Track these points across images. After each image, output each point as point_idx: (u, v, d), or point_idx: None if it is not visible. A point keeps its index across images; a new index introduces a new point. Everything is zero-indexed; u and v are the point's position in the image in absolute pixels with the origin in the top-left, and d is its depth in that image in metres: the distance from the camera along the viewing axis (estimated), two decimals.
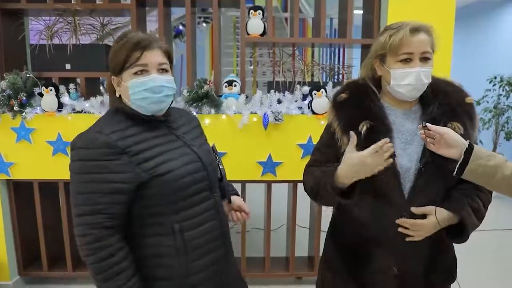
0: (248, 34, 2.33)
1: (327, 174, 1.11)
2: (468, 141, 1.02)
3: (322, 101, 2.24)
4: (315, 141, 2.28)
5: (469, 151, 1.00)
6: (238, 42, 3.84)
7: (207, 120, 2.23)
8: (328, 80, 2.55)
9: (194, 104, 2.23)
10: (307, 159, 2.30)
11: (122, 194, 1.03)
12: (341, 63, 3.65)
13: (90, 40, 2.42)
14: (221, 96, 2.30)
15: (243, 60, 2.39)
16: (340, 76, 2.85)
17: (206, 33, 5.10)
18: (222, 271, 1.19)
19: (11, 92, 2.15)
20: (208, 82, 2.24)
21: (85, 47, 2.31)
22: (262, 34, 2.34)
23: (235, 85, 2.29)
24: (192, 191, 1.10)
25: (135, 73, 1.06)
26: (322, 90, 2.23)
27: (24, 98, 2.12)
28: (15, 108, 2.12)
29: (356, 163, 1.04)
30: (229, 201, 1.28)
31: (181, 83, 5.29)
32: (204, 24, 5.06)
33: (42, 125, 2.17)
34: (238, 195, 1.36)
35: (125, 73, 1.07)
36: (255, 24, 2.31)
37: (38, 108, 2.19)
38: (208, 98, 2.23)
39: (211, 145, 1.30)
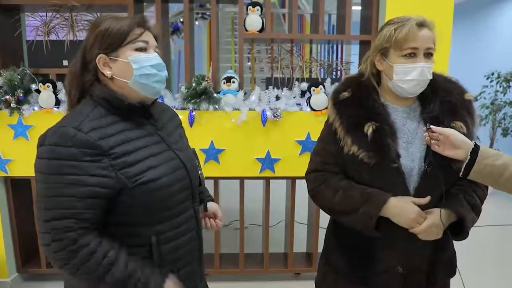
0: (246, 30, 2.32)
1: (371, 203, 1.08)
2: (473, 141, 1.00)
3: (320, 97, 2.24)
4: (313, 137, 2.30)
5: (475, 151, 0.99)
6: (236, 38, 3.83)
7: (206, 117, 2.22)
8: (326, 77, 2.55)
9: (193, 101, 2.22)
10: (305, 155, 2.31)
11: (100, 199, 0.91)
12: (339, 59, 3.65)
13: None
14: (219, 92, 2.29)
15: (241, 56, 2.38)
16: (339, 73, 2.85)
17: (204, 29, 5.08)
18: (195, 285, 1.12)
19: (7, 88, 2.13)
20: (206, 79, 2.24)
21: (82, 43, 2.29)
22: (260, 30, 2.33)
23: (233, 82, 2.29)
24: (175, 201, 1.02)
25: (137, 49, 0.97)
26: (321, 86, 2.23)
27: (21, 94, 2.11)
28: (12, 105, 2.11)
29: (405, 214, 1.07)
30: (205, 209, 1.21)
31: (179, 79, 5.27)
32: (202, 20, 5.04)
33: (39, 122, 2.16)
34: (213, 200, 1.29)
35: (123, 49, 0.96)
36: (253, 20, 2.30)
37: (36, 105, 2.18)
38: (206, 95, 2.22)
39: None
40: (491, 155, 0.98)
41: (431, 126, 1.04)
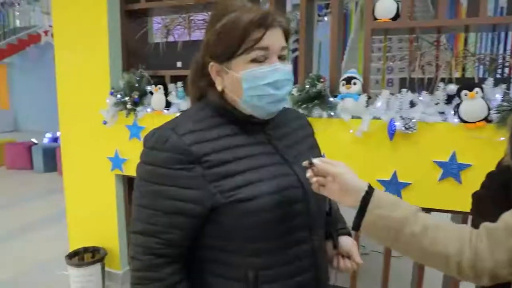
0: (376, 19, 1.87)
1: None
2: (367, 183, 0.79)
3: (475, 104, 1.64)
4: (460, 158, 1.71)
5: (366, 198, 0.77)
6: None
7: (318, 125, 1.87)
8: (487, 76, 1.90)
9: (304, 106, 1.91)
10: (447, 182, 1.75)
11: (184, 217, 0.78)
12: (508, 51, 2.78)
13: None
14: (336, 96, 1.91)
15: (368, 51, 1.94)
16: (506, 70, 2.11)
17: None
18: None
19: (126, 90, 2.20)
20: (322, 79, 1.89)
21: (196, 44, 2.22)
22: (395, 18, 1.85)
23: (354, 83, 1.87)
24: (283, 229, 0.82)
25: (253, 60, 0.79)
26: (477, 89, 1.63)
27: (136, 96, 2.15)
28: (128, 106, 2.17)
29: None
30: (335, 246, 0.96)
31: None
32: (326, 18, 4.65)
33: (150, 124, 2.17)
34: (350, 234, 1.02)
35: (236, 60, 0.79)
36: (385, 6, 1.84)
37: (149, 106, 2.20)
38: (320, 99, 1.88)
39: None
40: (388, 203, 0.78)
41: (313, 160, 0.80)
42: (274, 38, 0.79)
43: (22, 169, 6.26)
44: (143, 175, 0.81)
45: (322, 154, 1.04)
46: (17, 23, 9.05)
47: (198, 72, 0.87)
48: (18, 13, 8.96)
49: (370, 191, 0.79)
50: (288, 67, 0.83)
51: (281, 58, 0.82)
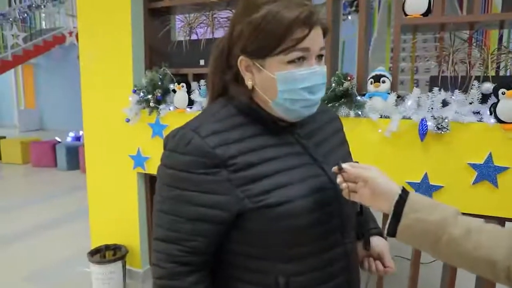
0: (406, 15, 1.80)
1: None
2: (401, 186, 0.74)
3: None
4: (497, 160, 1.62)
5: (401, 202, 0.72)
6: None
7: (345, 125, 1.80)
8: None
9: (330, 105, 1.85)
10: (481, 185, 1.67)
11: (208, 223, 0.73)
12: None
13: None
14: (364, 95, 1.85)
15: (397, 48, 1.87)
16: None
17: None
18: None
19: (149, 88, 2.19)
20: (349, 78, 1.83)
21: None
22: (426, 14, 1.78)
23: (383, 82, 1.81)
24: (317, 233, 0.78)
25: (290, 62, 0.72)
26: None
27: (159, 94, 2.14)
28: (151, 104, 2.16)
29: None
30: (367, 247, 0.89)
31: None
32: (349, 17, 4.57)
33: (173, 122, 2.16)
34: (381, 235, 0.96)
35: (272, 58, 0.73)
36: (417, 0, 1.76)
37: (171, 105, 2.18)
38: (347, 97, 1.82)
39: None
40: (425, 206, 0.71)
41: (343, 165, 0.76)
42: (315, 38, 0.72)
43: (46, 167, 6.41)
44: (164, 179, 0.76)
45: (348, 151, 1.00)
46: (43, 24, 9.30)
47: (222, 63, 0.80)
48: (43, 15, 9.19)
49: (404, 195, 0.73)
50: (324, 69, 0.77)
51: (319, 57, 0.76)
